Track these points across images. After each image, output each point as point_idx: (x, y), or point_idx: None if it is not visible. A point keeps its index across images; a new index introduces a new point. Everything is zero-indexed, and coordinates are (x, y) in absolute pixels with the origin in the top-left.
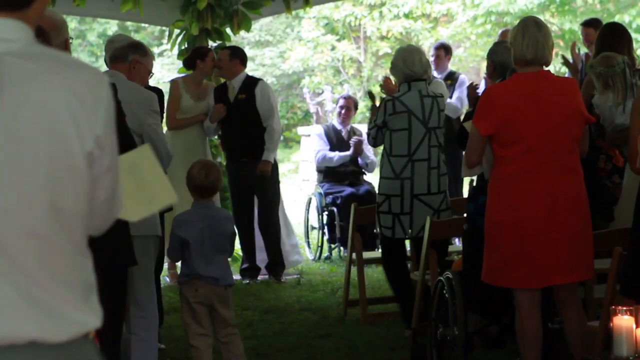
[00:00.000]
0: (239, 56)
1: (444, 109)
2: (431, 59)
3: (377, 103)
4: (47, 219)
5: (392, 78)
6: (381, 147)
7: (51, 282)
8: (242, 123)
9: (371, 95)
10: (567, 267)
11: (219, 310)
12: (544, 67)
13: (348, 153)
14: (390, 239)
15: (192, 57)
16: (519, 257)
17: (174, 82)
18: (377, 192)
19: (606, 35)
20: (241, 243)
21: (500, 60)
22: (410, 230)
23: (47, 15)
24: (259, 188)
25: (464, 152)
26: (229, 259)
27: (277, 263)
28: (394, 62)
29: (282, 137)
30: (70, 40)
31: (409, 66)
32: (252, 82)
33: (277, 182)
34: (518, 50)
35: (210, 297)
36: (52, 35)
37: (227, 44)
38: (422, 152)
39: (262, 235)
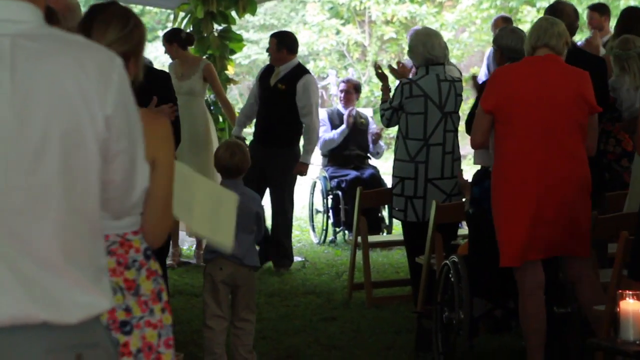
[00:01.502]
0: (286, 45)
1: (461, 93)
2: None
3: (389, 81)
4: (61, 200)
5: (405, 62)
6: (393, 130)
7: (64, 263)
8: (275, 111)
9: (382, 76)
10: (559, 244)
11: (241, 292)
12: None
13: (344, 126)
14: (405, 222)
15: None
16: (517, 233)
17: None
18: (392, 173)
19: (624, 19)
20: None
21: (506, 44)
22: (423, 215)
23: None
24: (274, 176)
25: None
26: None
27: (284, 256)
28: (412, 46)
29: None
30: None
31: (429, 50)
32: (297, 74)
33: (294, 174)
34: (534, 36)
35: (235, 277)
36: (67, 18)
37: (232, 27)
38: (437, 137)
39: (272, 223)
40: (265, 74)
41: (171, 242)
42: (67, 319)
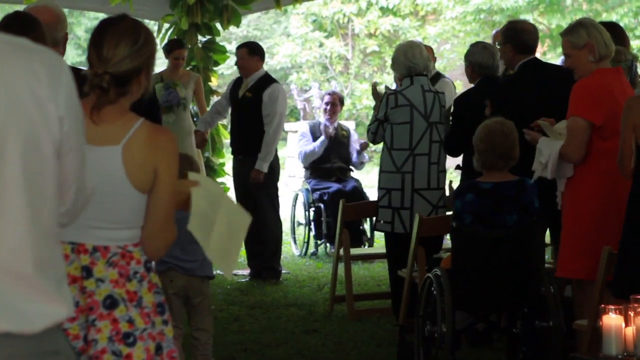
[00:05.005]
0: (258, 53)
1: (444, 105)
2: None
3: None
4: (23, 206)
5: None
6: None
7: (26, 272)
8: (243, 121)
9: (376, 94)
10: None
11: (195, 303)
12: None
13: (322, 138)
14: (390, 234)
15: (164, 50)
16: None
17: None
18: (377, 186)
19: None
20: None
21: (477, 61)
22: (410, 226)
23: (52, 8)
24: (252, 187)
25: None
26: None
27: (273, 268)
28: (395, 58)
29: None
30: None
31: (410, 59)
32: (265, 83)
33: (272, 184)
34: (602, 46)
35: (186, 289)
36: (57, 28)
37: (217, 39)
38: (423, 147)
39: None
40: (235, 87)
41: None
42: (29, 329)
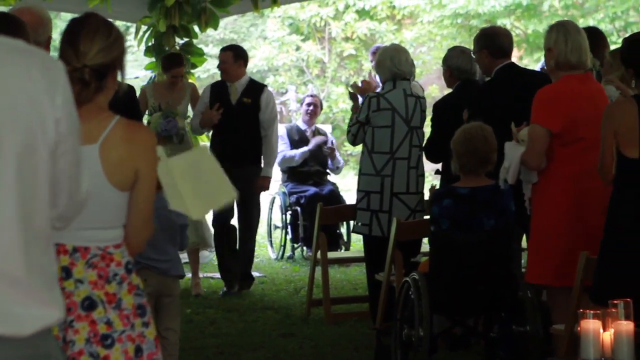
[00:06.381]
0: (242, 57)
1: (425, 109)
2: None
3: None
4: (15, 208)
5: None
6: (352, 146)
7: (18, 274)
8: (241, 128)
9: (354, 96)
10: None
11: (166, 301)
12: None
13: (307, 148)
14: (368, 237)
15: (162, 66)
16: (571, 255)
17: (142, 90)
18: (357, 188)
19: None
20: (217, 248)
21: (456, 65)
22: (388, 229)
23: (36, 11)
24: (246, 197)
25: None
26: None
27: (248, 275)
28: (380, 61)
29: None
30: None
31: (396, 65)
32: (257, 88)
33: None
34: (562, 54)
35: (159, 288)
36: (39, 32)
37: (194, 41)
38: (403, 151)
39: (240, 244)
40: (219, 93)
41: (192, 273)
42: (21, 332)
